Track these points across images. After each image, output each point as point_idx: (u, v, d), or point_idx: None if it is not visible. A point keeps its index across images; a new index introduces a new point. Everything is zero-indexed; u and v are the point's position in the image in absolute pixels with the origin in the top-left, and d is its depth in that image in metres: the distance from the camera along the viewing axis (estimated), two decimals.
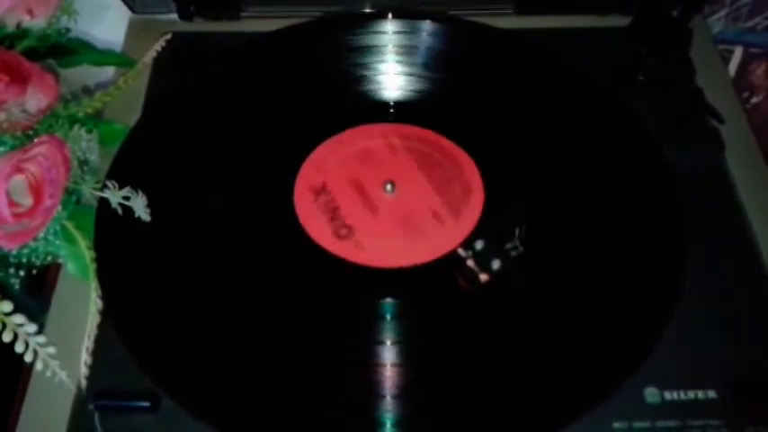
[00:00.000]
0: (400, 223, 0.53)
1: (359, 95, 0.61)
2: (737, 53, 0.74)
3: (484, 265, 0.50)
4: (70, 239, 0.50)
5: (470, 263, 0.50)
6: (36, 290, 0.52)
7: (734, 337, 0.47)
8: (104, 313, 0.48)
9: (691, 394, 0.45)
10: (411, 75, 0.61)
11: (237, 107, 0.60)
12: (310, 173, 0.56)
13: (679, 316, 0.47)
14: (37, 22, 0.56)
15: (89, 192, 0.50)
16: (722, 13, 0.71)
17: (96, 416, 0.45)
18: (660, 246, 0.50)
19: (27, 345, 0.44)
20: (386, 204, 0.54)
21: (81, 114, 0.55)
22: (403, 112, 0.60)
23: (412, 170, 0.56)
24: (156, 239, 0.51)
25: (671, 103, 0.58)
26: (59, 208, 0.49)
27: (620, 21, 0.64)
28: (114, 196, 0.48)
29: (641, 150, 0.55)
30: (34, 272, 0.49)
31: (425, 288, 0.50)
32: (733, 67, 0.74)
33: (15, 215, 0.46)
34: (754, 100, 0.75)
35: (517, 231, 0.51)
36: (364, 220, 0.53)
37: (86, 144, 0.50)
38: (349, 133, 0.58)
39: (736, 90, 0.63)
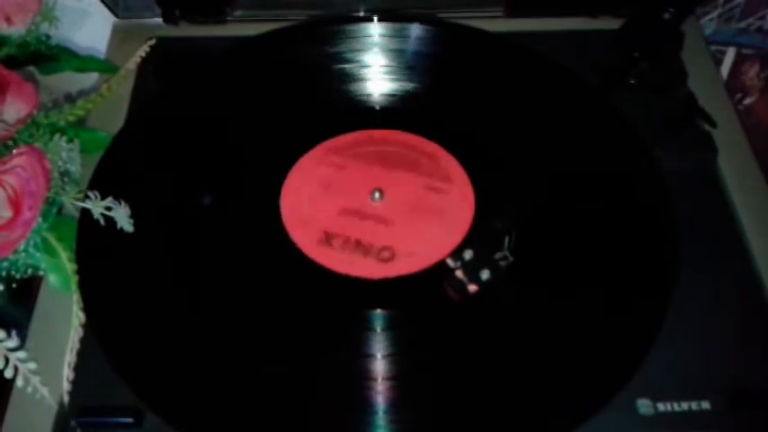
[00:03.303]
0: (415, 215, 0.53)
1: (345, 100, 0.60)
2: (730, 54, 0.73)
3: (473, 275, 0.49)
4: (51, 251, 0.49)
5: (459, 273, 0.49)
6: (21, 296, 0.51)
7: (727, 346, 0.47)
8: (87, 327, 0.47)
9: (684, 405, 0.44)
10: (398, 79, 0.61)
11: (223, 113, 0.59)
12: (302, 231, 0.53)
13: (671, 325, 0.46)
14: (16, 30, 0.55)
15: (70, 202, 0.49)
16: (715, 13, 0.71)
17: None
18: (651, 252, 0.50)
19: (8, 361, 0.43)
20: (388, 210, 0.54)
21: (62, 123, 0.55)
22: (390, 116, 0.59)
23: (378, 171, 0.55)
24: (140, 250, 0.50)
25: (663, 106, 0.58)
26: (40, 219, 0.48)
27: (611, 23, 0.63)
28: (96, 207, 0.47)
29: (631, 155, 0.55)
30: (14, 285, 0.48)
31: (414, 299, 0.50)
32: (725, 68, 0.74)
33: None
34: (747, 101, 0.75)
35: (506, 241, 0.50)
36: (391, 234, 0.52)
37: (67, 154, 0.50)
38: (294, 176, 0.56)
39: (728, 91, 0.63)
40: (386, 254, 0.51)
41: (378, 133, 0.58)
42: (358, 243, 0.52)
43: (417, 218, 0.53)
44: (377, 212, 0.54)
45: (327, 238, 0.52)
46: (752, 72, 0.74)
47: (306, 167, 0.56)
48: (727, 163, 0.56)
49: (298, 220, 0.53)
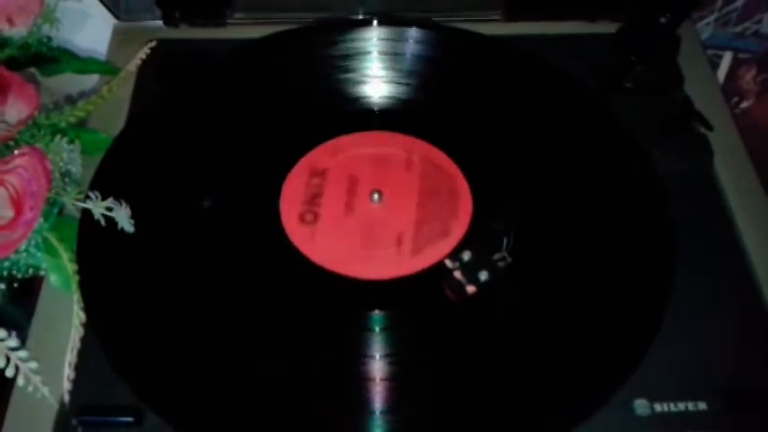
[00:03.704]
0: (362, 232, 0.53)
1: (344, 103, 0.60)
2: (727, 58, 0.74)
3: (471, 276, 0.49)
4: (52, 251, 0.49)
5: (458, 274, 0.49)
6: (22, 297, 0.51)
7: (724, 347, 0.47)
8: (87, 326, 0.47)
9: (681, 406, 0.45)
10: (397, 82, 0.61)
11: (223, 115, 0.59)
12: (322, 155, 0.56)
13: (668, 326, 0.46)
14: (17, 31, 0.56)
15: (71, 203, 0.49)
16: (711, 18, 0.71)
17: (79, 431, 0.44)
18: (648, 254, 0.50)
19: (8, 360, 0.43)
20: (363, 210, 0.54)
21: (63, 124, 0.55)
22: (389, 118, 0.60)
23: (411, 193, 0.55)
24: (141, 251, 0.50)
25: (659, 109, 0.58)
26: (41, 220, 0.48)
27: (608, 27, 0.63)
28: (97, 207, 0.47)
29: (628, 158, 0.55)
30: (15, 285, 0.49)
31: (413, 300, 0.50)
32: (722, 72, 0.74)
33: None
34: (744, 105, 0.75)
35: (505, 241, 0.50)
36: (333, 216, 0.53)
37: (68, 155, 0.50)
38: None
39: (725, 95, 0.63)
40: (309, 217, 0.52)
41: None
42: (316, 196, 0.53)
43: (360, 234, 0.53)
44: (358, 202, 0.54)
45: (318, 173, 0.53)
46: (748, 76, 0.74)
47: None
48: (724, 166, 0.57)
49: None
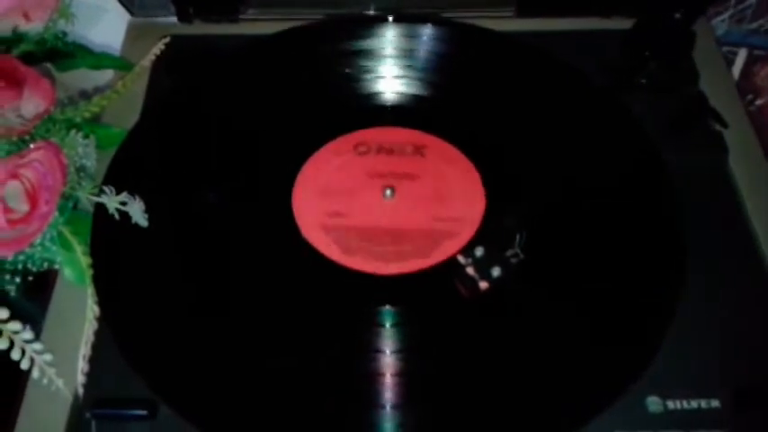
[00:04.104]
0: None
1: (356, 99, 0.61)
2: (741, 55, 0.73)
3: (484, 272, 0.49)
4: (67, 245, 0.49)
5: (470, 270, 0.49)
6: (37, 292, 0.52)
7: (737, 345, 0.47)
8: (101, 320, 0.48)
9: (694, 403, 0.44)
10: (411, 78, 0.61)
11: (236, 111, 0.60)
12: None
13: (681, 323, 0.46)
14: (34, 26, 0.56)
15: (86, 197, 0.49)
16: (726, 14, 0.71)
17: (93, 424, 0.44)
18: (662, 251, 0.50)
19: (23, 352, 0.43)
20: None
21: (78, 119, 0.55)
22: (402, 114, 0.60)
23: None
24: (154, 245, 0.50)
25: (674, 106, 0.58)
26: (56, 214, 0.48)
27: (622, 23, 0.63)
28: (111, 202, 0.48)
29: (641, 155, 0.55)
30: (30, 278, 0.49)
31: (425, 295, 0.50)
32: (737, 69, 0.74)
33: (11, 221, 0.46)
34: (758, 102, 0.74)
35: (517, 238, 0.50)
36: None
37: (83, 149, 0.50)
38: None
39: (739, 92, 0.63)
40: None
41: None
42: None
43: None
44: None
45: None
46: (763, 73, 0.73)
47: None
48: (738, 163, 0.56)
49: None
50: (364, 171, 0.56)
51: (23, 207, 0.46)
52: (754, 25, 0.71)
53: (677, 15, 0.58)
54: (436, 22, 0.62)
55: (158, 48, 0.63)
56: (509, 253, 0.50)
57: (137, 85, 0.62)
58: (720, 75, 0.63)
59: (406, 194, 0.54)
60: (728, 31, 0.72)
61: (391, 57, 0.62)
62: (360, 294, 0.50)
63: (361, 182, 0.55)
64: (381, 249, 0.52)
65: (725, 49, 0.72)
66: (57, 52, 0.58)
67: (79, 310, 0.48)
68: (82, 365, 0.46)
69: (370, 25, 0.63)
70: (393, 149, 0.57)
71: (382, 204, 0.54)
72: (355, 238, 0.52)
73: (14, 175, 0.46)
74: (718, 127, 0.57)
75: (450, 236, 0.52)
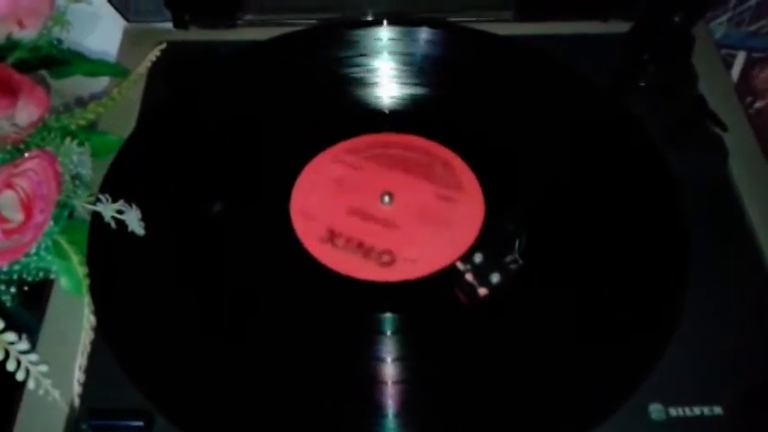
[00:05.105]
0: (422, 223, 0.53)
1: (356, 103, 0.60)
2: (740, 58, 0.73)
3: (483, 278, 0.49)
4: (62, 255, 0.49)
5: (469, 277, 0.49)
6: (32, 302, 0.51)
7: (740, 351, 0.46)
8: (98, 330, 0.47)
9: (696, 410, 0.44)
10: (409, 82, 0.61)
11: (233, 117, 0.59)
12: (306, 226, 0.53)
13: (683, 329, 0.46)
14: (28, 34, 0.55)
15: (82, 206, 0.49)
16: (725, 17, 0.70)
17: None
18: (663, 255, 0.50)
19: (19, 363, 0.43)
20: (396, 214, 0.54)
21: (74, 126, 0.54)
22: (401, 120, 0.59)
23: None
24: (151, 254, 0.50)
25: (673, 109, 0.58)
26: (51, 223, 0.48)
27: (621, 27, 0.63)
28: (107, 210, 0.47)
29: (642, 158, 0.54)
30: (26, 288, 0.48)
31: (424, 302, 0.50)
32: (736, 71, 0.74)
33: (5, 231, 0.45)
34: (758, 105, 0.74)
35: (517, 244, 0.50)
36: (394, 238, 0.52)
37: (78, 158, 0.50)
38: (307, 173, 0.56)
39: (738, 95, 0.62)
40: (386, 258, 0.51)
41: (388, 137, 0.58)
42: (361, 245, 0.52)
43: (423, 225, 0.53)
44: (385, 215, 0.54)
45: (331, 236, 0.52)
46: (762, 75, 0.73)
47: (317, 170, 0.56)
48: (738, 166, 0.56)
49: (309, 223, 0.53)
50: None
51: (18, 217, 0.46)
52: (753, 28, 0.71)
53: (676, 18, 0.57)
54: (433, 25, 0.62)
55: (154, 54, 0.63)
56: (508, 259, 0.50)
57: (133, 92, 0.61)
58: (719, 77, 0.63)
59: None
60: (727, 33, 0.72)
61: (389, 61, 0.62)
62: (359, 302, 0.50)
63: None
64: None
65: (724, 51, 0.72)
66: (51, 59, 0.57)
67: (75, 321, 0.48)
68: (78, 376, 0.46)
69: (368, 30, 0.62)
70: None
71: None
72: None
73: (9, 185, 0.45)
74: (717, 130, 0.57)
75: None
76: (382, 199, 0.54)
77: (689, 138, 0.57)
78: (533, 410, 0.44)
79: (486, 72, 0.61)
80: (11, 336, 0.43)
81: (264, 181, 0.56)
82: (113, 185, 0.52)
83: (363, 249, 0.52)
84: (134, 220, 0.48)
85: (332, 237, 0.52)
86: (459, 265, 0.50)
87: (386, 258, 0.51)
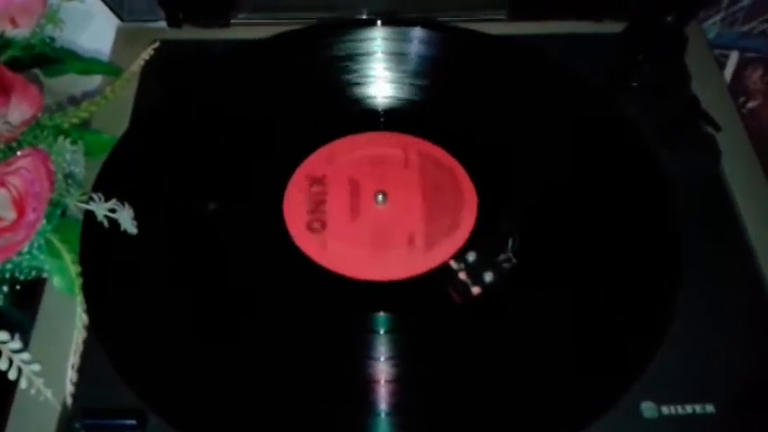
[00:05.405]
0: (372, 235, 0.53)
1: (349, 104, 0.60)
2: (733, 58, 0.73)
3: (476, 277, 0.49)
4: (55, 253, 0.49)
5: (462, 275, 0.49)
6: (25, 301, 0.51)
7: (732, 350, 0.47)
8: (90, 329, 0.47)
9: (689, 408, 0.44)
10: (402, 82, 0.61)
11: (227, 116, 0.59)
12: (317, 162, 0.56)
13: (676, 328, 0.46)
14: (21, 32, 0.55)
15: (74, 205, 0.49)
16: (718, 17, 0.71)
17: None
18: (655, 255, 0.50)
19: (11, 362, 0.43)
20: (370, 213, 0.54)
21: (67, 125, 0.54)
22: (394, 119, 0.59)
23: (413, 189, 0.55)
24: (143, 252, 0.50)
25: (666, 109, 0.58)
26: (44, 221, 0.48)
27: (614, 27, 0.63)
28: (100, 209, 0.47)
29: (634, 158, 0.55)
30: (18, 287, 0.48)
31: (417, 301, 0.49)
32: (729, 71, 0.74)
33: None
34: (750, 105, 0.74)
35: (510, 243, 0.50)
36: (340, 222, 0.53)
37: (71, 156, 0.50)
38: (370, 136, 0.58)
39: (731, 95, 0.63)
40: (317, 225, 0.52)
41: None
42: (320, 203, 0.53)
43: (370, 237, 0.53)
44: (363, 206, 0.54)
45: (318, 180, 0.53)
46: (755, 76, 0.73)
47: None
48: (731, 166, 0.56)
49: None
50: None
51: (10, 215, 0.46)
52: (746, 28, 0.71)
53: (669, 18, 0.58)
54: (426, 25, 0.62)
55: (148, 53, 0.63)
56: (501, 258, 0.50)
57: (126, 91, 0.61)
58: (712, 77, 0.63)
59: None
60: (720, 33, 0.72)
61: (383, 61, 0.61)
62: (352, 300, 0.50)
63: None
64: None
65: (717, 51, 0.72)
66: (45, 58, 0.57)
67: (68, 319, 0.47)
68: (70, 375, 0.46)
69: (362, 29, 0.62)
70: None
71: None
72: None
73: (1, 183, 0.45)
74: (710, 130, 0.57)
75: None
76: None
77: (682, 138, 0.57)
78: (526, 409, 0.44)
79: (479, 71, 0.61)
80: (3, 335, 0.43)
81: (258, 180, 0.56)
82: (106, 184, 0.51)
83: (316, 207, 0.53)
84: (127, 219, 0.48)
85: (317, 180, 0.54)
86: (453, 264, 0.50)
87: (316, 225, 0.52)
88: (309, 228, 0.53)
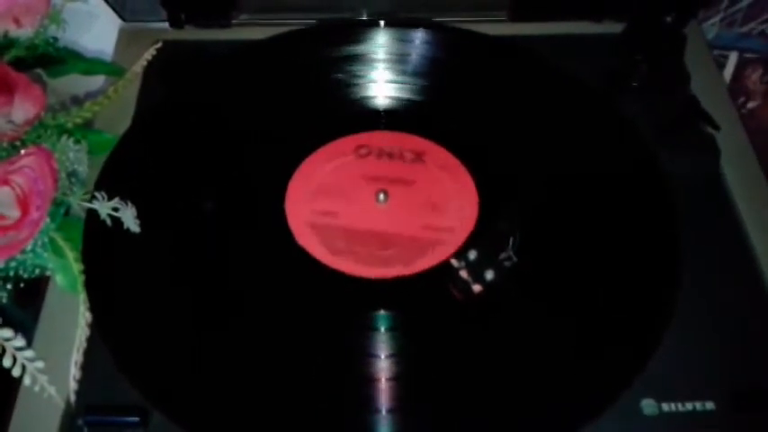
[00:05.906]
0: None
1: (350, 104, 0.60)
2: (732, 58, 0.74)
3: (477, 275, 0.49)
4: (58, 252, 0.49)
5: (463, 273, 0.49)
6: (28, 299, 0.51)
7: (732, 348, 0.47)
8: (93, 326, 0.47)
9: (689, 405, 0.44)
10: (403, 82, 0.61)
11: (228, 116, 0.59)
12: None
13: (676, 326, 0.46)
14: (24, 32, 0.55)
15: (77, 203, 0.49)
16: (717, 18, 0.71)
17: (85, 431, 0.44)
18: (655, 253, 0.50)
19: (15, 360, 0.43)
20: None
21: (70, 124, 0.55)
22: (395, 119, 0.60)
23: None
24: (146, 251, 0.50)
25: (666, 109, 0.58)
26: (47, 220, 0.48)
27: (614, 27, 0.63)
28: (103, 208, 0.47)
29: (634, 158, 0.55)
30: (22, 285, 0.49)
31: (419, 299, 0.50)
32: (728, 72, 0.74)
33: (2, 228, 0.45)
34: (750, 105, 0.75)
35: (511, 241, 0.50)
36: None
37: (74, 155, 0.50)
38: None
39: (731, 96, 0.63)
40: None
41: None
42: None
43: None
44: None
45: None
46: (754, 76, 0.74)
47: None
48: (730, 166, 0.57)
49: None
50: (357, 175, 0.56)
51: (14, 213, 0.46)
52: (745, 29, 0.72)
53: (668, 19, 0.58)
54: (427, 26, 0.62)
55: (150, 53, 0.63)
56: (502, 256, 0.50)
57: (128, 91, 0.61)
58: (712, 78, 0.63)
59: (399, 200, 0.54)
60: (719, 34, 0.72)
61: (384, 61, 0.62)
62: (354, 298, 0.50)
63: (354, 185, 0.55)
64: (373, 253, 0.51)
65: (716, 52, 0.73)
66: (48, 58, 0.57)
67: (71, 317, 0.48)
68: (74, 372, 0.46)
69: (363, 30, 0.62)
70: (385, 153, 0.57)
71: (375, 209, 0.54)
72: (348, 241, 0.52)
73: (5, 181, 0.45)
74: (710, 130, 0.57)
75: (441, 243, 0.52)
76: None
77: (681, 138, 0.57)
78: (527, 406, 0.44)
79: (481, 72, 0.61)
80: (7, 332, 0.43)
81: (260, 179, 0.56)
82: (109, 183, 0.52)
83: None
84: (129, 217, 0.48)
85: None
86: (454, 262, 0.50)
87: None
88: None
